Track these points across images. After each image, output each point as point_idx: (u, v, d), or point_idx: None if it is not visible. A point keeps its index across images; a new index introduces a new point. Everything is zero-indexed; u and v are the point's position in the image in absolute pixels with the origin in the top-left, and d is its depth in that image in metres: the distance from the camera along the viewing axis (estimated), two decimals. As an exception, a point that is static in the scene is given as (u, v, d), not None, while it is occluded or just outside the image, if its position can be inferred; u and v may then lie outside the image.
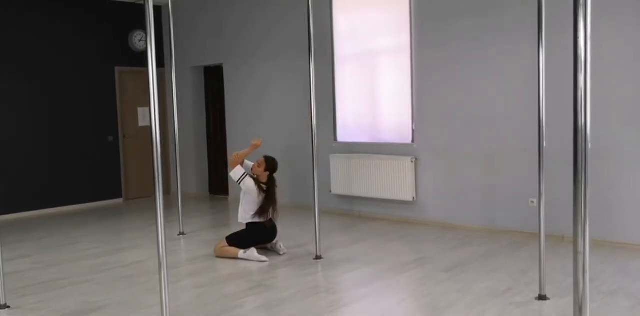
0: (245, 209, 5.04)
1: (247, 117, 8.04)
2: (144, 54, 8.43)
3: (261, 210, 5.00)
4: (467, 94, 5.87)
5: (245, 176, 4.99)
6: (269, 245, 5.17)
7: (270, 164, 5.11)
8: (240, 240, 5.00)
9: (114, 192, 8.46)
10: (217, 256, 5.02)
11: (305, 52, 5.15)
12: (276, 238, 5.15)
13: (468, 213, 5.95)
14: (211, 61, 8.48)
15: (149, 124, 3.83)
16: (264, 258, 4.85)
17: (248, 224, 5.06)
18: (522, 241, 5.31)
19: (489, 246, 5.18)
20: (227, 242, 5.02)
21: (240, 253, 4.89)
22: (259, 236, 5.06)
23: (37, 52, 7.59)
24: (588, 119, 2.04)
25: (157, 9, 8.59)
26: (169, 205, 7.60)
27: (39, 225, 6.84)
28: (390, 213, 6.55)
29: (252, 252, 4.87)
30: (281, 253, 5.06)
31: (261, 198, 5.01)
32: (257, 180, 5.03)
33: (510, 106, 5.59)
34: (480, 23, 5.71)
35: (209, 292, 4.08)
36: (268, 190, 5.04)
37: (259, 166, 5.08)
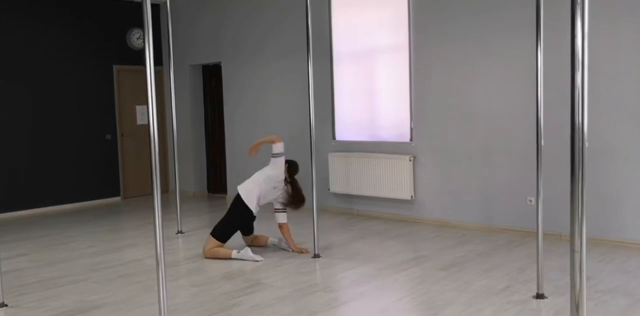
0: (258, 193, 4.96)
1: (245, 115, 8.03)
2: (142, 52, 8.41)
3: (299, 201, 5.07)
4: (466, 93, 5.87)
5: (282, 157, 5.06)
6: (272, 243, 5.19)
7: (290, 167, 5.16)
8: (223, 228, 4.95)
9: (112, 190, 8.45)
10: (207, 258, 4.92)
11: (303, 51, 5.15)
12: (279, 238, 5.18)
13: (466, 211, 5.96)
14: (209, 59, 8.47)
15: (147, 122, 3.84)
16: (259, 257, 4.83)
17: (237, 208, 4.97)
18: (519, 239, 5.32)
19: (487, 245, 5.18)
20: (215, 238, 4.93)
21: (234, 253, 4.85)
22: (240, 222, 5.00)
23: (35, 50, 7.57)
24: (585, 118, 2.04)
25: (155, 7, 8.57)
26: (167, 203, 7.60)
27: (36, 224, 6.83)
28: (389, 212, 6.55)
29: (247, 252, 4.84)
30: (289, 250, 5.09)
31: (283, 190, 5.05)
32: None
33: (508, 105, 5.60)
34: (479, 22, 5.70)
35: (207, 291, 4.08)
36: (294, 184, 5.12)
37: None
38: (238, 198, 5.00)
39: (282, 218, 5.04)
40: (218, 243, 4.94)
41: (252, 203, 4.95)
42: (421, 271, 4.40)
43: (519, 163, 5.50)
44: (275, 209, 5.08)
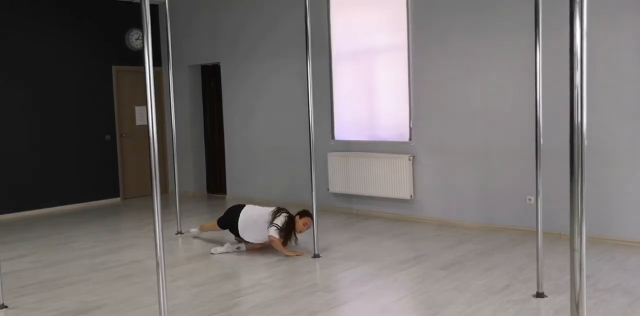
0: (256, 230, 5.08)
1: (244, 115, 8.03)
2: (140, 53, 8.41)
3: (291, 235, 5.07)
4: (465, 92, 5.87)
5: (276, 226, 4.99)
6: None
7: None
8: (222, 218, 5.39)
9: (112, 191, 8.44)
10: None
11: (302, 50, 5.16)
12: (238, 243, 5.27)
13: (465, 211, 5.96)
14: (208, 60, 8.46)
15: (146, 123, 3.84)
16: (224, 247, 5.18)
17: (232, 211, 5.29)
18: (519, 239, 5.32)
19: (487, 244, 5.19)
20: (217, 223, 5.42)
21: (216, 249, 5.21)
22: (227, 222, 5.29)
23: (34, 51, 7.56)
24: (584, 117, 2.05)
25: (154, 8, 8.58)
26: (166, 204, 7.60)
27: (36, 225, 6.83)
28: (388, 211, 6.55)
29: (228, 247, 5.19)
30: (213, 251, 5.18)
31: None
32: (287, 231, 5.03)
33: (507, 104, 5.60)
34: (478, 21, 5.71)
35: (207, 291, 4.09)
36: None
37: (304, 225, 5.06)
38: (237, 209, 5.26)
39: (272, 231, 4.93)
40: (217, 227, 5.41)
41: (242, 222, 5.12)
42: (421, 271, 4.40)
43: (519, 163, 5.51)
44: (270, 223, 4.98)
